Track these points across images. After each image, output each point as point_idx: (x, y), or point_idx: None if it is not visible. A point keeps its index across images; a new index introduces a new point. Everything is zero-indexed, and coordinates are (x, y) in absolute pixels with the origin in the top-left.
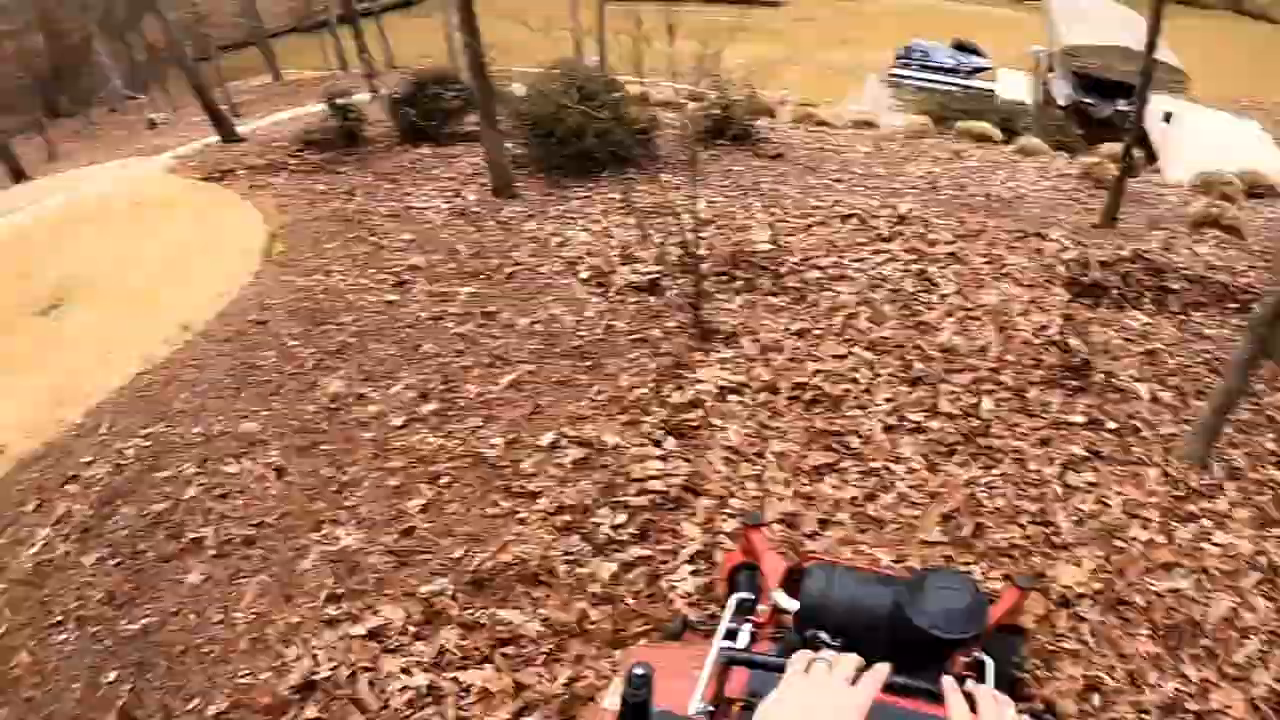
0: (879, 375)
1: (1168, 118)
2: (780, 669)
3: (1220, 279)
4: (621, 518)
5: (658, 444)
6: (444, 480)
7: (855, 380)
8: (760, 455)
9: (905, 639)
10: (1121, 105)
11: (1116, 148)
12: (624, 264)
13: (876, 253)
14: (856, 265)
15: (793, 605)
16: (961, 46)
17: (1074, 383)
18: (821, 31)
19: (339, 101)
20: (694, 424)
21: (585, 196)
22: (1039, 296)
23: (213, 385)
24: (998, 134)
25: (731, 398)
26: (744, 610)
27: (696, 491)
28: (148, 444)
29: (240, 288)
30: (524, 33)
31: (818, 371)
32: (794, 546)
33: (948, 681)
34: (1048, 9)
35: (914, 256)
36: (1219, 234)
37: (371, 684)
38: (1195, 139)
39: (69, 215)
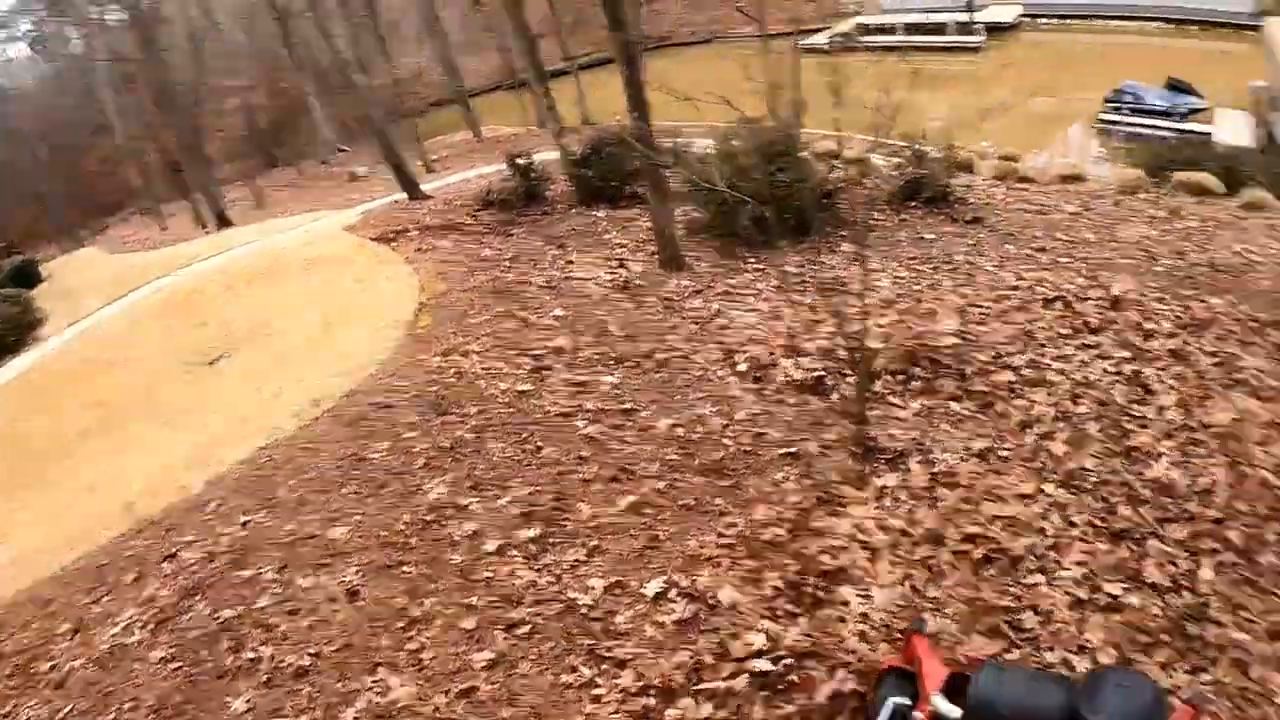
0: (1072, 524)
1: None
2: None
3: None
4: (706, 709)
5: (776, 611)
6: (523, 630)
7: (1042, 531)
8: (904, 635)
9: None
10: None
11: None
12: (788, 356)
13: (1083, 347)
14: (1058, 365)
15: (955, 712)
16: (1175, 86)
17: None
18: (1024, 76)
19: (519, 161)
20: (829, 584)
21: (759, 269)
22: None
23: (319, 476)
24: (1218, 185)
25: (884, 547)
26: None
27: (815, 677)
28: (243, 533)
29: (377, 364)
30: (715, 85)
31: (996, 518)
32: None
33: None
34: (1269, 40)
35: (1128, 354)
36: None
37: None
38: None
39: (248, 267)
